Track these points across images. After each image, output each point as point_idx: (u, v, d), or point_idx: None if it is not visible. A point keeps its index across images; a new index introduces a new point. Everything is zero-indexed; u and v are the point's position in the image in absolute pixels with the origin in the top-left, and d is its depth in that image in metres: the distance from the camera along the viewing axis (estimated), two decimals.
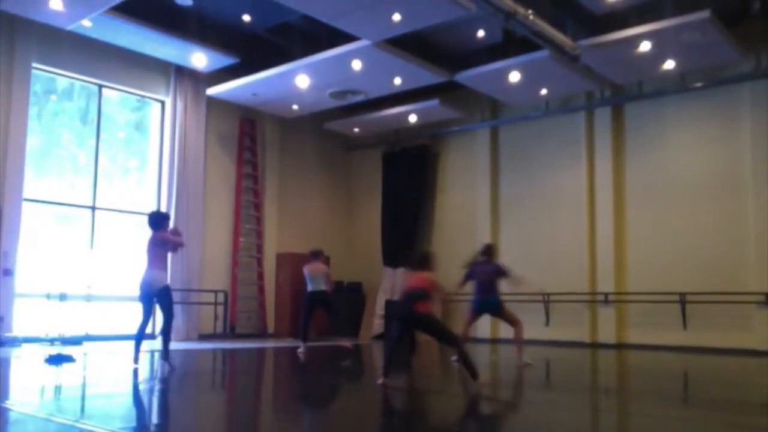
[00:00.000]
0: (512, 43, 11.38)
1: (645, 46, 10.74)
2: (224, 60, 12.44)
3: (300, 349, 10.34)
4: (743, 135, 11.97)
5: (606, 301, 12.98)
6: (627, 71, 11.92)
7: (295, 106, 14.20)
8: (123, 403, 5.76)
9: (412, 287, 6.47)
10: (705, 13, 9.77)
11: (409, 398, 6.57)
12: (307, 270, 10.47)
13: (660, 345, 12.12)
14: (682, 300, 11.97)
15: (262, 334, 14.46)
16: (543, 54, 11.13)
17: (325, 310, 10.70)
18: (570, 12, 10.87)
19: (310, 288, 10.41)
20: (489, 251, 9.33)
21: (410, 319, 6.45)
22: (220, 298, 13.85)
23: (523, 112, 14.44)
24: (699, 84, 12.27)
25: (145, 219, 8.08)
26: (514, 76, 12.17)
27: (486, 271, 9.08)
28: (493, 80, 12.50)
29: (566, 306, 13.44)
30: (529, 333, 13.61)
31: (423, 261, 6.85)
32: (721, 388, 7.40)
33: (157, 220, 8.02)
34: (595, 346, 12.85)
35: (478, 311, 9.14)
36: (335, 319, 11.20)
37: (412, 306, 6.35)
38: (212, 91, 13.48)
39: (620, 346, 12.62)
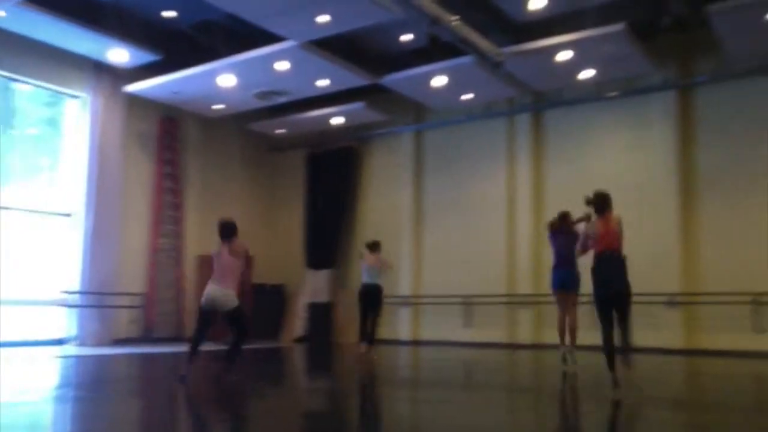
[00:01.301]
0: (438, 48, 11.52)
1: (565, 55, 11.09)
2: (146, 56, 12.08)
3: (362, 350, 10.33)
4: (654, 143, 12.52)
5: (524, 303, 13.30)
6: (548, 79, 12.28)
7: (218, 106, 13.93)
8: (31, 412, 5.47)
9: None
10: (620, 26, 10.18)
11: (318, 400, 6.52)
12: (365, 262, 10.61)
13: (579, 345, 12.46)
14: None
15: (180, 338, 14.07)
16: (467, 60, 11.31)
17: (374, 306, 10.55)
18: (494, 19, 11.11)
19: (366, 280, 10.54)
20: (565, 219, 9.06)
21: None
22: (138, 300, 13.40)
23: (447, 117, 14.65)
24: (615, 93, 12.76)
25: (217, 228, 7.45)
26: (439, 81, 12.34)
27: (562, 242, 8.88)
28: (418, 84, 12.63)
29: (487, 308, 13.69)
30: (449, 334, 13.93)
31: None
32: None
33: (231, 229, 7.38)
34: (512, 347, 13.13)
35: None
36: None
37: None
38: (132, 88, 13.04)
39: (536, 347, 12.94)
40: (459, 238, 14.42)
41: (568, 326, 8.80)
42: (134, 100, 13.50)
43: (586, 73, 11.86)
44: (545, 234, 9.54)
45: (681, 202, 12.14)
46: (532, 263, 13.39)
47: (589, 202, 6.72)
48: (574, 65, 11.49)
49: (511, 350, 12.66)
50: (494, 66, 11.14)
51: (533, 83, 12.59)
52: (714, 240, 11.85)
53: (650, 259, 12.21)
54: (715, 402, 6.59)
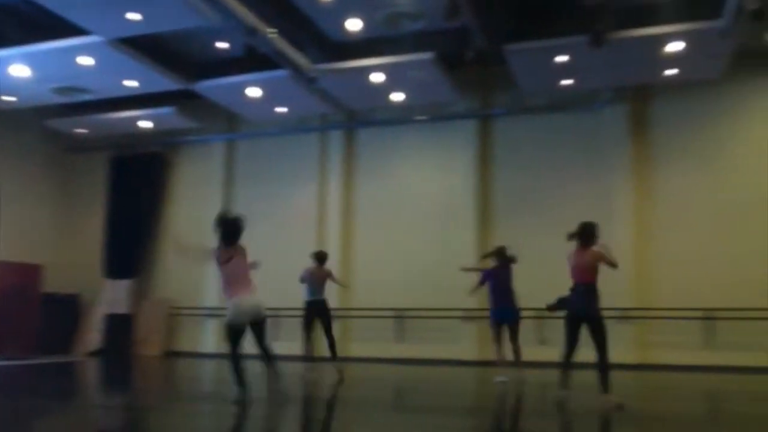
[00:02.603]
0: (254, 58, 11.44)
1: (377, 77, 11.52)
2: None
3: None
4: (457, 166, 13.37)
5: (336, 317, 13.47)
6: (361, 98, 12.67)
7: (9, 97, 12.71)
8: None
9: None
10: (429, 55, 10.81)
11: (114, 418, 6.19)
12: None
13: (380, 358, 12.88)
14: (400, 315, 12.93)
15: None
16: (282, 73, 11.35)
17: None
18: (311, 36, 11.25)
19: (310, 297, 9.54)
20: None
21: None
22: None
23: (260, 128, 14.57)
24: (423, 117, 13.47)
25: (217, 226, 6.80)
26: (254, 92, 12.26)
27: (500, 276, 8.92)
28: (232, 93, 12.45)
29: (294, 321, 13.70)
30: (254, 348, 13.73)
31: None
32: (432, 394, 8.08)
33: (241, 228, 6.82)
34: (315, 360, 13.22)
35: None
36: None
37: None
38: None
39: (346, 360, 13.16)
40: (269, 250, 14.27)
41: (513, 351, 8.94)
42: None
43: (397, 96, 12.41)
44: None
45: (479, 221, 13.04)
46: (341, 277, 13.62)
47: (572, 236, 6.68)
48: (386, 87, 11.97)
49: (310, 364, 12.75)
50: (309, 81, 11.30)
51: (347, 101, 12.93)
52: None
53: (449, 274, 12.96)
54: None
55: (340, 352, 13.34)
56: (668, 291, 11.70)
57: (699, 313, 11.33)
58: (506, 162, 13.15)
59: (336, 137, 14.26)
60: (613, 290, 11.17)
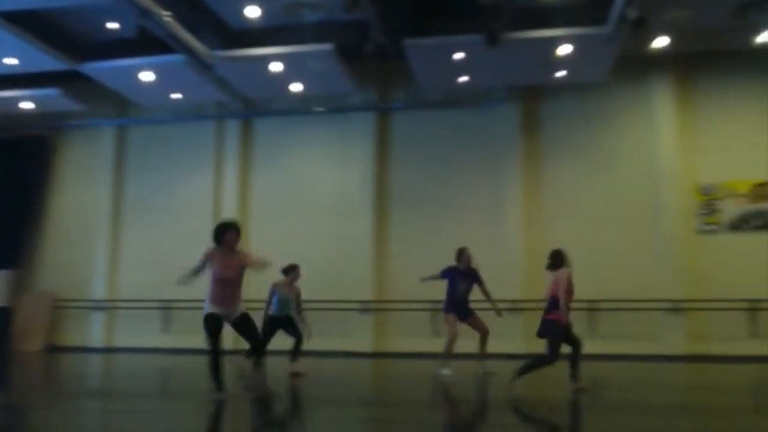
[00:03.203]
0: (147, 41, 11.01)
1: (276, 66, 11.38)
2: None
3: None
4: (355, 159, 13.42)
5: None
6: (258, 87, 12.48)
7: None
8: None
9: None
10: (328, 46, 10.78)
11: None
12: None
13: (273, 351, 12.70)
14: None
15: None
16: (177, 58, 11.00)
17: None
18: (209, 21, 10.96)
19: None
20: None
21: None
22: None
23: (154, 114, 14.08)
24: (321, 109, 13.41)
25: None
26: (146, 76, 11.83)
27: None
28: (124, 77, 11.96)
29: (187, 313, 13.36)
30: (146, 341, 13.33)
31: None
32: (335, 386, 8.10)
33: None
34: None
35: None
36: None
37: None
38: None
39: (235, 352, 12.94)
40: (161, 240, 13.89)
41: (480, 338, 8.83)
42: None
43: (296, 86, 12.30)
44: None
45: (376, 213, 13.15)
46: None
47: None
48: (285, 77, 11.85)
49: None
50: (205, 68, 11.02)
51: (244, 90, 12.70)
52: (401, 251, 13.03)
53: (346, 267, 13.05)
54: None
55: (230, 345, 13.15)
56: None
57: (584, 305, 11.93)
58: (403, 155, 13.33)
59: (233, 126, 13.98)
60: (506, 280, 11.76)
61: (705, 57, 12.37)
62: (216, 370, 6.34)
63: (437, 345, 12.05)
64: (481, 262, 12.47)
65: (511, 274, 12.11)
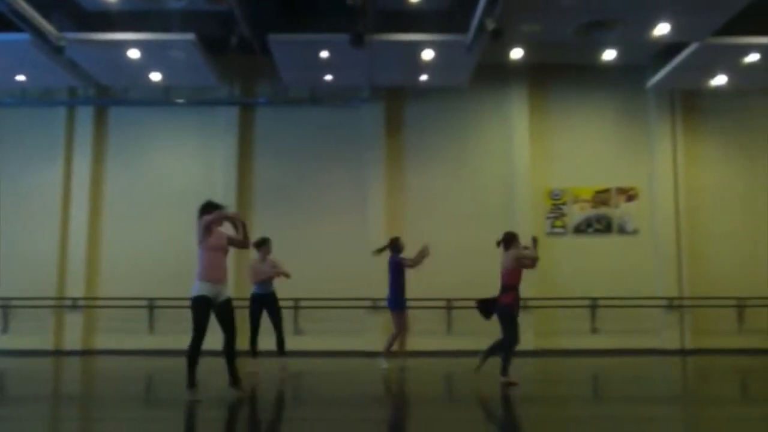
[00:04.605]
0: None
1: (134, 53, 10.86)
2: None
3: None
4: (217, 154, 13.07)
5: (75, 307, 12.53)
6: (115, 74, 11.86)
7: None
8: None
9: None
10: (190, 36, 10.42)
11: None
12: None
13: (128, 350, 12.18)
14: (151, 305, 12.37)
15: None
16: (23, 37, 10.21)
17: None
18: (60, 1, 10.27)
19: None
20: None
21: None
22: None
23: None
24: (182, 101, 12.94)
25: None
26: None
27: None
28: None
29: (29, 312, 12.50)
30: None
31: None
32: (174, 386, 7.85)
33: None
34: (60, 353, 12.24)
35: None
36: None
37: None
38: None
39: (87, 353, 12.29)
40: (4, 235, 12.86)
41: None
42: None
43: (155, 76, 11.81)
44: None
45: (239, 209, 12.75)
46: (87, 264, 12.73)
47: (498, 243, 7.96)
48: (143, 65, 11.34)
49: (56, 358, 11.78)
50: (54, 50, 10.33)
51: (99, 76, 12.02)
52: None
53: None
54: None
55: (79, 346, 12.47)
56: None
57: (443, 303, 12.36)
58: (267, 151, 13.16)
59: (85, 114, 13.15)
60: (368, 277, 11.94)
61: (556, 70, 13.17)
62: (193, 364, 6.13)
63: (299, 342, 12.13)
64: (343, 258, 12.72)
65: (373, 270, 12.27)
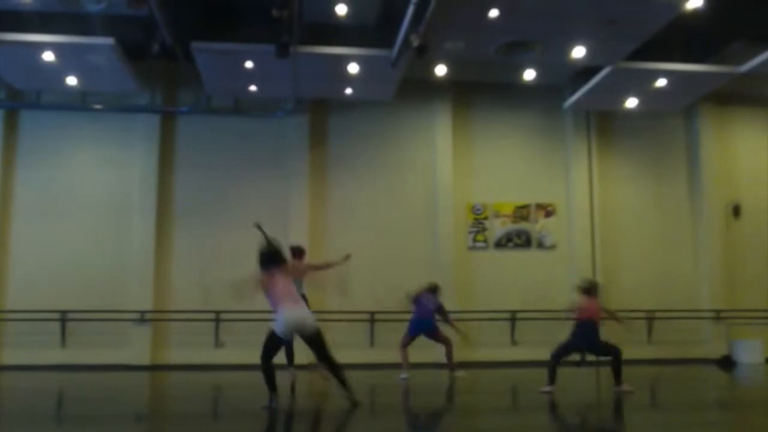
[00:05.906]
0: None
1: (48, 56, 10.46)
2: None
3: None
4: (136, 162, 12.71)
5: None
6: (27, 77, 11.44)
7: None
8: None
9: None
10: (109, 40, 10.12)
11: None
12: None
13: (39, 365, 11.61)
14: (63, 318, 11.87)
15: None
16: None
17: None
18: None
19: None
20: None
21: None
22: None
23: None
24: (100, 106, 12.54)
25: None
26: None
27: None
28: None
29: None
30: None
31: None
32: (96, 403, 7.56)
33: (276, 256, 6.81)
34: None
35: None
36: None
37: None
38: None
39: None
40: None
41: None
42: None
43: (71, 80, 11.41)
44: None
45: (158, 219, 12.54)
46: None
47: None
48: (59, 69, 10.95)
49: None
50: None
51: (9, 78, 11.55)
52: (184, 257, 12.57)
53: (123, 274, 12.30)
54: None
55: None
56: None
57: (365, 316, 12.38)
58: (188, 160, 12.90)
59: None
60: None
61: (479, 87, 13.48)
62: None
63: (219, 356, 11.86)
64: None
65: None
